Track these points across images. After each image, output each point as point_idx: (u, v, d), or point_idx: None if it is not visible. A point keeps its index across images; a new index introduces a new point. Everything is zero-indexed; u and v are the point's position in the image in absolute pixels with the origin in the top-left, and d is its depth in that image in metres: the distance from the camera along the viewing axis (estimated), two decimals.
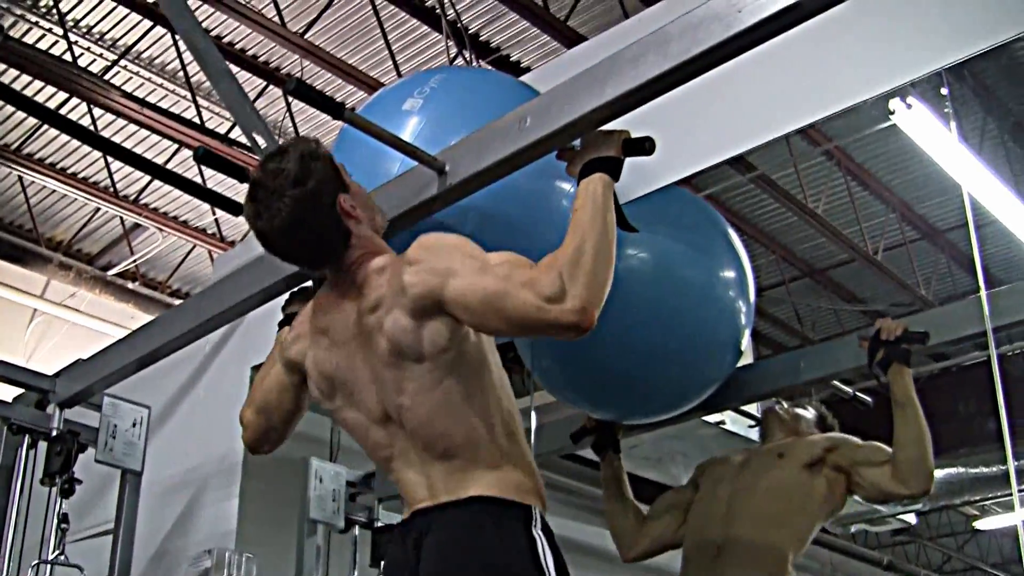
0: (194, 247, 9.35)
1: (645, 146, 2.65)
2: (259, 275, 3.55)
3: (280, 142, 3.39)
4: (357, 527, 5.25)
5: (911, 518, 11.29)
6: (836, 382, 4.72)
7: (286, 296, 3.43)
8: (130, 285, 9.43)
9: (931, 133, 5.74)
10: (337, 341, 2.73)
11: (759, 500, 3.86)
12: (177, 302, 9.41)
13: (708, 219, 4.05)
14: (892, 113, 4.80)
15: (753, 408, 7.90)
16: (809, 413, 4.25)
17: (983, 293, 3.67)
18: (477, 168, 2.81)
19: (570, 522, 12.77)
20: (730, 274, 3.89)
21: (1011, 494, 13.53)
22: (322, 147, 2.74)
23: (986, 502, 13.95)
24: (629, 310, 3.48)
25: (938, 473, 10.38)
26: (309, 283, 3.38)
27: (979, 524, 15.17)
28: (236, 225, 9.32)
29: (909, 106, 4.69)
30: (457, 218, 3.02)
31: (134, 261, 9.27)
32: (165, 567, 4.81)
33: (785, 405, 4.27)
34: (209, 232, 9.29)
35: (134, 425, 4.55)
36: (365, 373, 2.68)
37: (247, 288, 3.58)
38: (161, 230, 9.04)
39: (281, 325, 3.39)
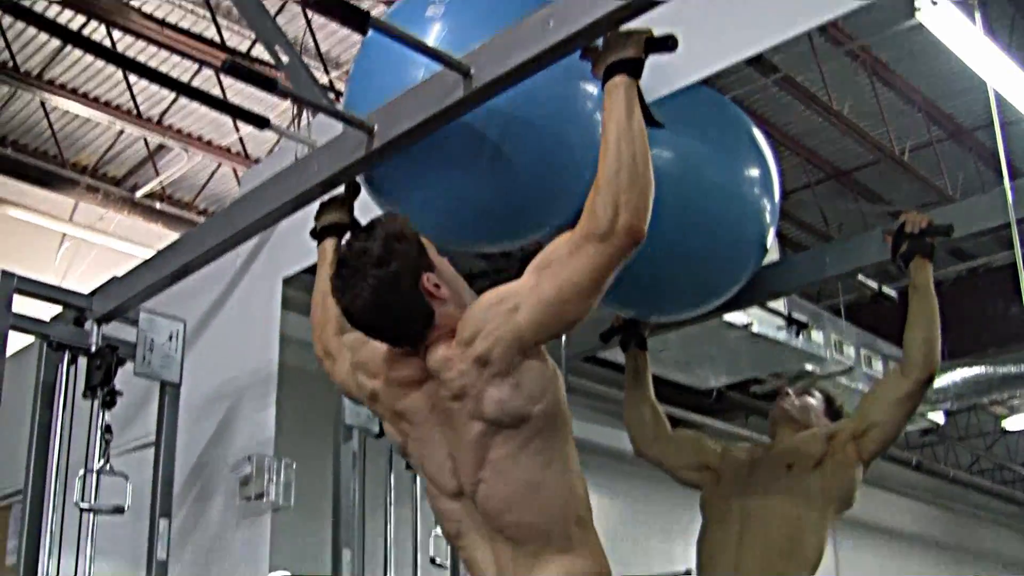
0: (219, 166, 9.37)
1: (668, 43, 2.68)
2: (288, 184, 3.57)
3: (304, 61, 3.40)
4: None
5: (939, 418, 11.34)
6: (862, 277, 4.72)
7: (316, 205, 3.49)
8: (158, 206, 9.47)
9: (957, 30, 5.72)
10: (414, 421, 2.78)
11: (772, 530, 3.85)
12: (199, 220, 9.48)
13: (733, 119, 4.08)
14: (917, 10, 4.77)
15: (781, 306, 7.97)
16: (817, 401, 4.20)
17: (1007, 184, 3.69)
18: (502, 70, 2.82)
19: (593, 426, 12.94)
20: (755, 173, 3.92)
21: None
22: (408, 226, 2.77)
23: (1015, 401, 14.03)
24: (656, 210, 3.51)
25: (966, 372, 10.60)
26: (341, 189, 3.42)
27: (1008, 423, 15.23)
28: (261, 142, 9.33)
29: (935, 2, 4.67)
30: (483, 122, 3.04)
31: (160, 182, 9.28)
32: (207, 476, 4.91)
33: (792, 397, 4.21)
34: (234, 151, 9.31)
35: (170, 339, 4.64)
36: (440, 451, 2.73)
37: (277, 197, 3.60)
38: (186, 150, 9.06)
39: (313, 234, 3.45)
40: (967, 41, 5.81)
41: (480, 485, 2.65)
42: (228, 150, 9.13)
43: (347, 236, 3.30)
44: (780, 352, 8.15)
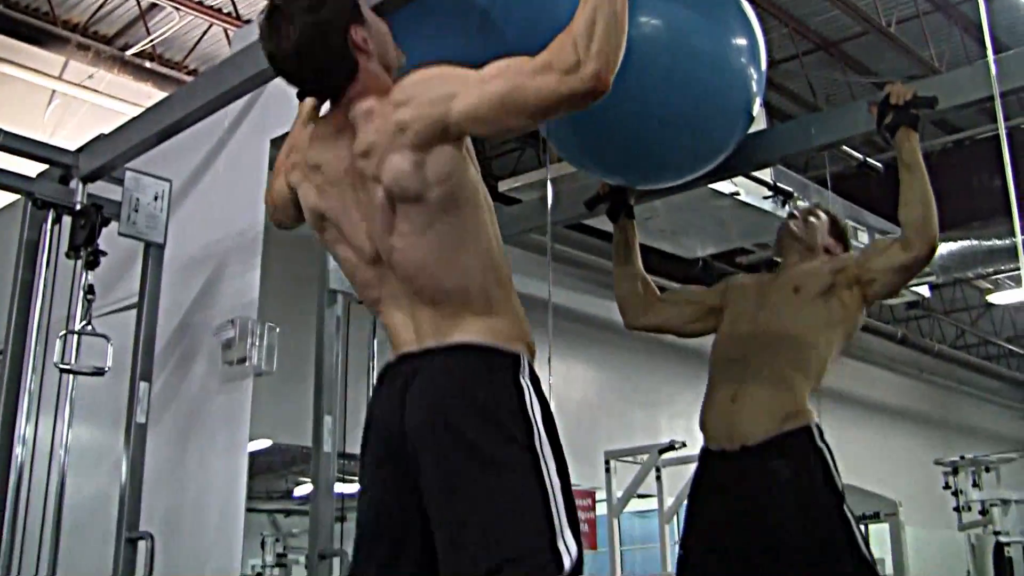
0: (211, 26, 9.27)
1: None
2: (258, 54, 3.52)
3: None
4: None
5: (924, 291, 11.40)
6: (847, 148, 4.74)
7: None
8: (148, 65, 9.38)
9: None
10: (330, 179, 2.76)
11: (776, 345, 3.99)
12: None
13: None
14: None
15: (767, 176, 7.98)
16: (822, 222, 4.28)
17: (991, 57, 3.68)
18: None
19: (578, 295, 13.01)
20: (741, 41, 3.90)
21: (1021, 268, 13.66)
22: None
23: (999, 275, 14.10)
24: (642, 77, 3.52)
25: (951, 246, 10.64)
26: None
27: (993, 298, 15.34)
28: (252, 3, 9.23)
29: None
30: None
31: (151, 41, 9.20)
32: (189, 338, 4.89)
33: (799, 218, 4.29)
34: (225, 11, 9.20)
35: (156, 199, 4.62)
36: (356, 214, 2.71)
37: (249, 67, 3.60)
38: (177, 9, 8.95)
39: (299, 96, 3.43)
40: None
41: (394, 251, 2.65)
42: (219, 10, 9.03)
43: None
44: (766, 221, 8.20)
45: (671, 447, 10.74)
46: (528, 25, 3.17)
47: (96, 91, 9.74)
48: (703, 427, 4.06)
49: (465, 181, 2.64)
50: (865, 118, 4.00)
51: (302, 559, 15.30)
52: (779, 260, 4.32)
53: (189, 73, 9.64)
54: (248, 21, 9.19)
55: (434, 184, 2.58)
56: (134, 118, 4.39)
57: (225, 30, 9.27)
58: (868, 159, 5.59)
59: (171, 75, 9.31)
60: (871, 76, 10.06)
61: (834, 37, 9.64)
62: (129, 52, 9.32)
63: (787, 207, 8.16)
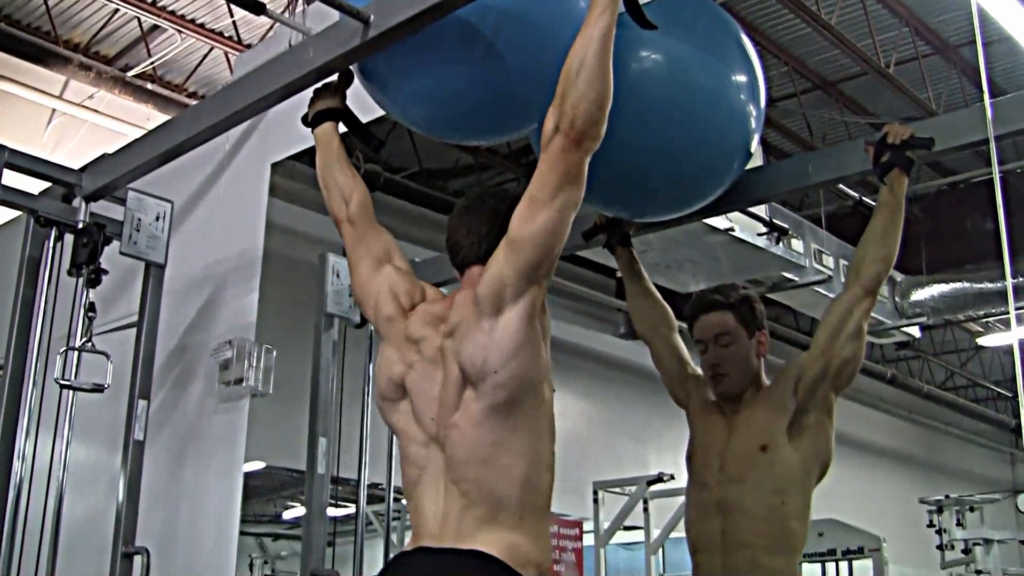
0: (211, 49, 9.34)
1: None
2: (282, 70, 3.59)
3: None
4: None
5: (915, 331, 11.45)
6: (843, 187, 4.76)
7: (307, 92, 3.53)
8: (149, 86, 9.43)
9: None
10: (424, 356, 2.86)
11: (753, 526, 3.62)
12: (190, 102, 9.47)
13: (722, 24, 4.11)
14: None
15: (762, 212, 8.03)
16: (728, 322, 3.89)
17: (987, 101, 3.73)
18: None
19: (571, 327, 13.04)
20: (742, 79, 3.95)
21: (1013, 310, 13.72)
22: None
23: (989, 319, 14.17)
24: (643, 111, 3.57)
25: (943, 288, 10.72)
26: (335, 78, 3.46)
27: (982, 340, 15.40)
28: (254, 27, 9.30)
29: None
30: (478, 16, 3.09)
31: (152, 63, 9.26)
32: (187, 358, 4.97)
33: (707, 349, 3.91)
34: (227, 35, 9.26)
35: (157, 219, 4.67)
36: (432, 390, 2.80)
37: (270, 82, 3.62)
38: (179, 32, 9.02)
39: (304, 120, 3.50)
40: None
41: (452, 430, 2.71)
42: (220, 34, 9.10)
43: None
44: (760, 258, 8.25)
45: (659, 479, 10.79)
46: (530, 54, 3.23)
47: (96, 111, 9.80)
48: None
49: (534, 364, 2.71)
50: (862, 158, 3.99)
51: None
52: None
53: (189, 96, 9.71)
54: (249, 46, 9.26)
55: (500, 362, 2.66)
56: (138, 139, 4.43)
57: (226, 54, 9.34)
58: (863, 199, 5.65)
59: (172, 97, 9.38)
60: (868, 116, 10.14)
61: (833, 77, 9.74)
62: (130, 73, 9.38)
63: (781, 244, 8.21)
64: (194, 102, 9.38)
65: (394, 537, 6.02)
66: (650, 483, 10.85)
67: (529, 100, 3.36)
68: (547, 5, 3.23)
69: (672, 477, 10.42)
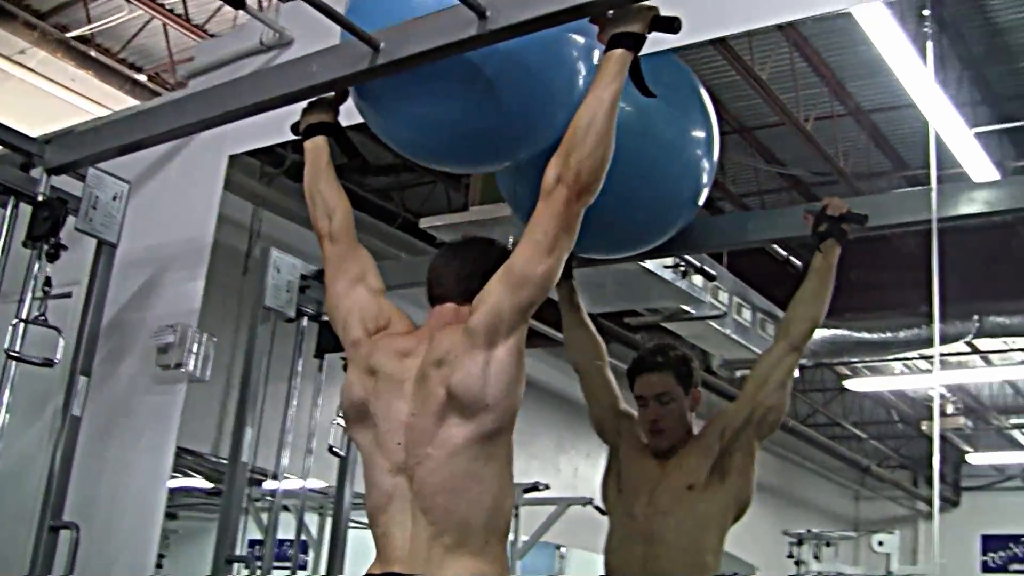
0: (151, 20, 9.24)
1: (672, 25, 2.93)
2: (283, 79, 3.68)
3: None
4: (306, 318, 5.50)
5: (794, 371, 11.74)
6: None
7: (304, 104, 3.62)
8: (83, 49, 9.28)
9: (882, 26, 6.10)
10: (391, 384, 2.95)
11: (675, 557, 3.90)
12: (129, 72, 9.39)
13: (685, 79, 4.29)
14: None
15: None
16: (669, 381, 4.12)
17: (933, 185, 3.99)
18: (517, 19, 3.00)
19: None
20: (701, 134, 4.15)
21: (882, 360, 14.18)
22: None
23: (861, 363, 14.63)
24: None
25: (824, 333, 11.02)
26: (331, 94, 3.56)
27: (848, 383, 15.86)
28: (202, 3, 9.20)
29: None
30: (483, 57, 3.20)
31: (91, 29, 9.16)
32: (123, 335, 4.96)
33: (648, 405, 4.14)
34: (167, 6, 9.16)
35: (115, 198, 4.67)
36: (400, 417, 2.89)
37: (268, 89, 3.67)
38: (129, 2, 8.93)
39: (295, 130, 3.59)
40: (888, 37, 6.20)
41: (424, 463, 2.81)
42: (162, 6, 9.02)
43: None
44: (664, 289, 8.42)
45: (535, 488, 10.91)
46: (525, 96, 3.36)
47: (29, 68, 9.59)
48: None
49: (520, 395, 2.87)
50: (798, 223, 4.24)
51: None
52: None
53: (120, 62, 9.56)
54: (197, 25, 9.23)
55: (496, 395, 2.80)
56: (115, 119, 4.47)
57: (164, 26, 9.26)
58: (791, 258, 5.90)
59: (108, 64, 9.24)
60: (779, 166, 10.43)
61: (750, 124, 9.97)
62: (69, 35, 9.23)
63: (685, 279, 8.42)
64: (127, 71, 9.32)
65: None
66: (526, 491, 10.97)
67: (513, 138, 3.52)
68: (545, 52, 3.34)
69: (548, 487, 10.54)
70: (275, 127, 4.10)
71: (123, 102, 8.78)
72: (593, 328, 4.53)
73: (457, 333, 2.86)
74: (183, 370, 4.66)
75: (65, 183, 4.67)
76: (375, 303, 3.18)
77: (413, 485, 2.82)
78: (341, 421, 5.33)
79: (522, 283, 2.82)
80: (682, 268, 8.28)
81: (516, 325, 2.84)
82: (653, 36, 2.94)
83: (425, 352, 2.92)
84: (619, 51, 2.88)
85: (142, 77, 9.49)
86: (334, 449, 5.40)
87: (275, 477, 5.30)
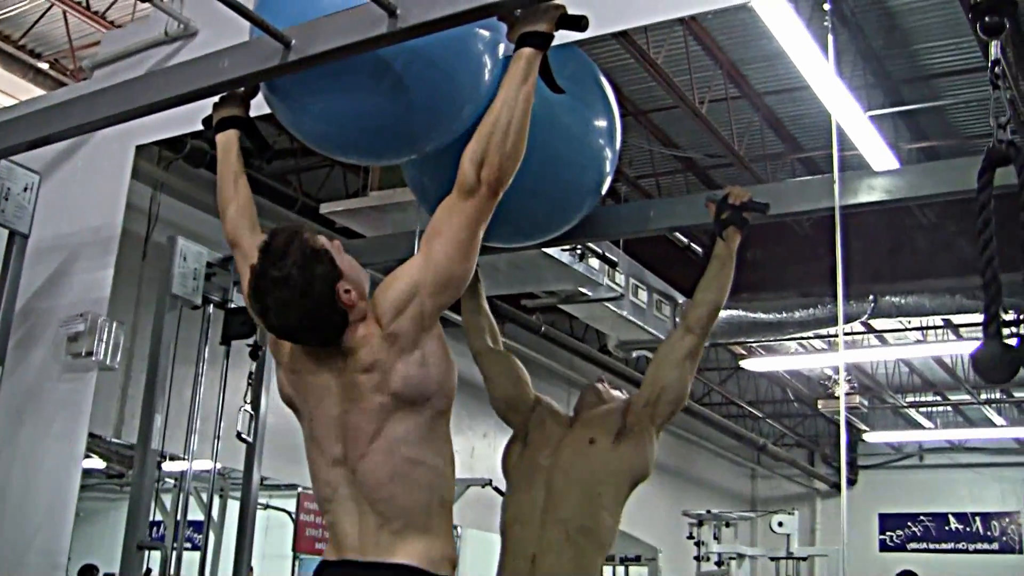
0: (51, 7, 9.15)
1: (579, 23, 3.03)
2: (193, 75, 3.72)
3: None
4: (212, 306, 5.56)
5: None
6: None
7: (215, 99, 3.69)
8: None
9: (781, 16, 6.26)
10: (313, 386, 3.01)
11: (572, 507, 4.05)
12: (31, 61, 9.30)
13: (587, 69, 4.39)
14: None
15: None
16: (623, 395, 4.45)
17: (836, 175, 4.14)
18: (427, 17, 3.10)
19: None
20: (603, 124, 4.25)
21: (777, 339, 14.41)
22: (315, 238, 2.97)
23: (756, 343, 14.86)
24: None
25: (721, 313, 11.18)
26: (241, 89, 3.63)
27: (744, 363, 16.10)
28: None
29: None
30: (392, 54, 3.29)
31: None
32: (31, 322, 4.96)
33: (606, 384, 4.52)
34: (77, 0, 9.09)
35: (25, 189, 4.73)
36: (334, 419, 2.95)
37: (179, 85, 3.72)
38: None
39: (206, 124, 3.66)
40: (784, 22, 6.36)
41: (366, 458, 2.90)
42: None
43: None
44: (561, 272, 8.56)
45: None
46: (432, 89, 3.46)
47: None
48: None
49: (453, 384, 2.98)
50: (700, 211, 4.35)
51: None
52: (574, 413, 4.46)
53: (18, 48, 9.45)
54: (96, 12, 9.17)
55: (437, 380, 2.91)
56: (26, 114, 4.45)
57: (64, 13, 9.18)
58: (692, 244, 6.04)
59: (10, 52, 9.14)
60: (674, 148, 10.56)
61: (645, 107, 10.07)
62: None
63: (583, 262, 8.56)
64: (29, 59, 9.23)
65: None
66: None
67: (421, 131, 3.62)
68: (451, 48, 3.43)
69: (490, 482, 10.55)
70: (182, 118, 4.19)
71: (25, 90, 8.70)
72: (491, 314, 4.69)
73: (376, 339, 2.91)
74: (93, 358, 4.68)
75: None
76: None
77: (356, 477, 2.92)
78: (249, 408, 5.42)
79: (447, 285, 2.92)
80: (579, 251, 8.44)
81: (437, 319, 2.95)
82: (559, 33, 3.02)
83: (342, 364, 2.96)
84: (529, 50, 2.97)
85: (44, 65, 9.40)
86: (242, 436, 5.46)
87: (176, 460, 5.33)
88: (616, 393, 4.43)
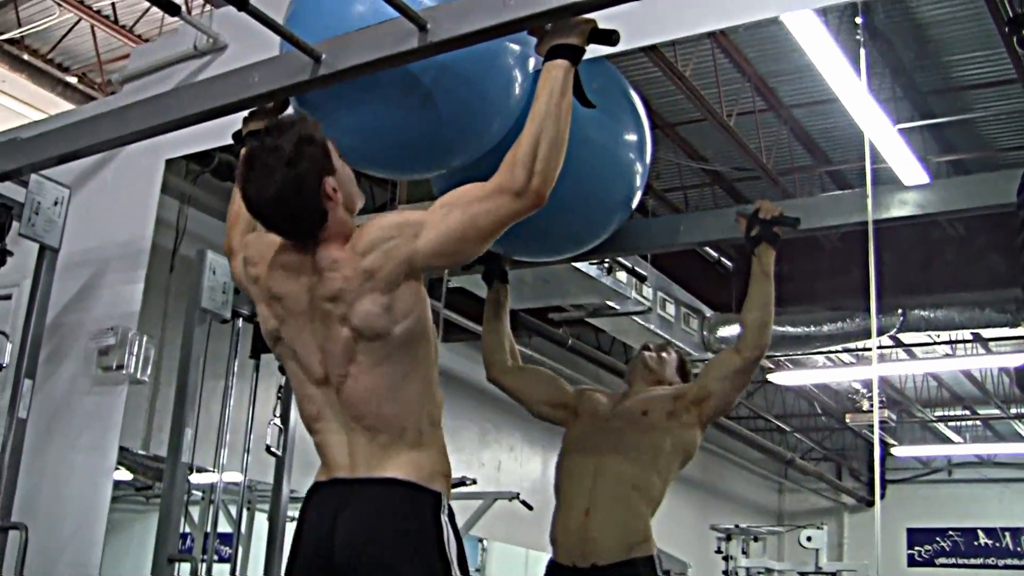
0: (79, 21, 9.19)
1: (610, 37, 3.01)
2: (224, 89, 3.73)
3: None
4: (241, 319, 5.57)
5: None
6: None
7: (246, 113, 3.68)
8: (25, 56, 9.18)
9: (812, 30, 6.23)
10: (291, 311, 3.00)
11: (625, 466, 4.23)
12: (59, 75, 9.35)
13: (616, 83, 4.39)
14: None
15: None
16: (672, 357, 4.63)
17: (869, 190, 4.12)
18: (457, 32, 3.09)
19: (449, 355, 13.19)
20: (632, 137, 4.24)
21: (805, 353, 14.36)
22: (319, 130, 2.98)
23: (783, 357, 14.80)
24: None
25: None
26: (271, 104, 3.63)
27: (772, 376, 16.03)
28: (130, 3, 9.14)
29: None
30: (422, 68, 3.30)
31: (22, 32, 9.09)
32: (61, 335, 4.97)
33: (653, 352, 4.63)
34: (95, 8, 9.11)
35: (55, 204, 4.75)
36: (313, 343, 2.96)
37: (211, 99, 3.74)
38: (60, 5, 8.87)
39: (236, 138, 3.66)
40: (812, 34, 6.33)
41: (346, 379, 2.91)
42: (90, 8, 8.97)
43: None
44: (591, 285, 8.55)
45: (462, 483, 10.96)
46: (462, 104, 3.48)
47: None
48: (554, 540, 4.28)
49: (424, 315, 2.95)
50: (730, 226, 4.35)
51: None
52: (628, 386, 4.63)
53: (47, 62, 9.50)
54: (124, 25, 9.20)
55: (400, 320, 2.87)
56: (57, 128, 4.46)
57: (92, 27, 9.22)
58: (721, 258, 6.02)
59: (39, 66, 9.18)
60: (701, 161, 10.54)
61: (673, 120, 10.05)
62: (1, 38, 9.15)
63: (611, 275, 8.55)
64: (58, 73, 9.28)
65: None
66: (453, 486, 10.97)
67: (451, 145, 3.63)
68: (481, 63, 3.44)
69: (475, 481, 10.60)
70: (212, 132, 4.17)
71: (53, 104, 8.75)
72: (511, 333, 4.72)
73: (346, 267, 2.90)
74: (124, 372, 4.69)
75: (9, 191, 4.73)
76: (259, 239, 3.21)
77: (341, 396, 2.93)
78: (278, 422, 5.43)
79: (443, 254, 2.89)
80: (607, 265, 8.43)
81: (420, 278, 2.94)
82: (588, 47, 3.01)
83: (313, 282, 2.95)
84: (564, 62, 2.94)
85: (72, 79, 9.45)
86: (271, 449, 5.47)
87: (204, 471, 5.34)
88: (666, 358, 4.63)
